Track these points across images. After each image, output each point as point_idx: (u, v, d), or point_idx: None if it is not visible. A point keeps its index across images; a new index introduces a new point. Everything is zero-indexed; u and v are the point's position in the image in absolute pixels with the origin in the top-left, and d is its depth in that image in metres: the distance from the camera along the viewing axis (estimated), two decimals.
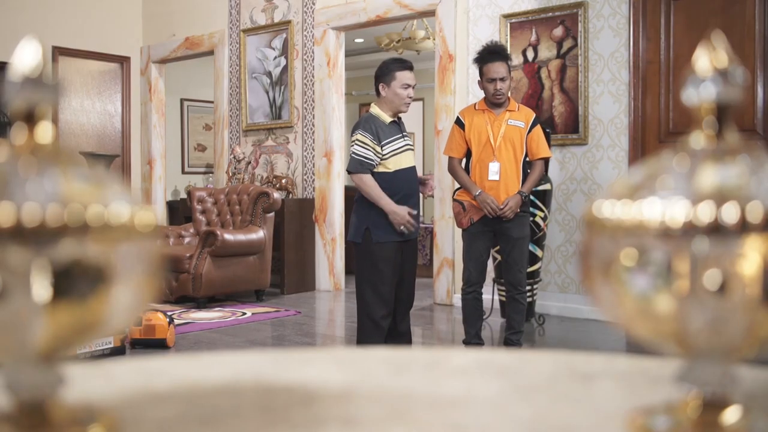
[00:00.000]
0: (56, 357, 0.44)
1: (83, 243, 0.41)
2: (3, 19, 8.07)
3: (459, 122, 4.42)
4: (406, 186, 3.99)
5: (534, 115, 4.41)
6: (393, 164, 3.95)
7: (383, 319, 3.93)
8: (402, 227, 3.90)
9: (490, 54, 4.31)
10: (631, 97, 5.50)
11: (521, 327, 4.39)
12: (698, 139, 0.46)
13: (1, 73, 7.45)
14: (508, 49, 5.91)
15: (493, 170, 4.26)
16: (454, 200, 4.46)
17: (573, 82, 5.79)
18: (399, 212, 3.88)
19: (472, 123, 4.35)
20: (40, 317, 0.40)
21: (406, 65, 4.02)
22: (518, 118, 4.32)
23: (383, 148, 3.92)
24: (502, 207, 4.21)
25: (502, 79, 4.24)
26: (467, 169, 4.39)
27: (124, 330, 4.21)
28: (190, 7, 8.66)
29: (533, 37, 5.98)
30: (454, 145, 4.43)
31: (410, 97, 4.00)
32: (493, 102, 4.30)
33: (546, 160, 4.57)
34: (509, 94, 4.40)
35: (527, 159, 4.39)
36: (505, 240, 4.34)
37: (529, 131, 4.32)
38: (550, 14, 5.89)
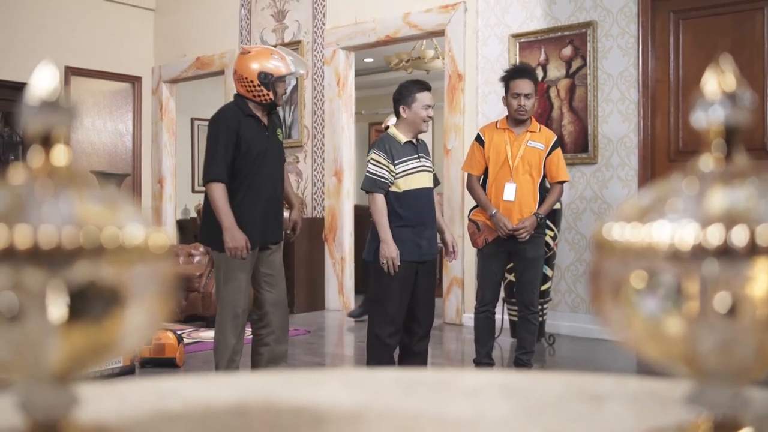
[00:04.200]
0: (70, 377, 0.44)
1: (98, 264, 0.41)
2: (15, 39, 8.16)
3: (479, 139, 4.43)
4: (418, 206, 3.97)
5: (555, 137, 4.40)
6: (403, 184, 3.94)
7: (390, 337, 3.92)
8: (384, 261, 3.85)
9: (518, 72, 4.37)
10: (640, 116, 5.50)
11: (532, 347, 4.37)
12: (707, 162, 0.46)
13: (14, 91, 7.53)
14: None
15: (509, 191, 4.25)
16: (470, 220, 4.46)
17: (582, 102, 5.80)
18: (390, 247, 3.85)
19: (491, 140, 4.35)
20: (55, 338, 0.41)
21: (425, 86, 4.05)
22: (538, 139, 4.31)
23: (396, 167, 3.93)
24: (516, 227, 4.20)
25: (526, 96, 4.24)
26: (484, 187, 4.39)
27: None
28: (201, 28, 8.74)
29: (542, 57, 6.00)
30: (473, 162, 4.43)
31: (430, 117, 4.02)
32: (516, 118, 4.30)
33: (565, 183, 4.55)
34: (531, 116, 4.41)
35: (547, 182, 4.39)
36: (520, 260, 4.33)
37: (549, 153, 4.32)
38: (559, 34, 5.91)
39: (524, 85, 4.26)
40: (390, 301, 3.89)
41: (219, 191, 3.70)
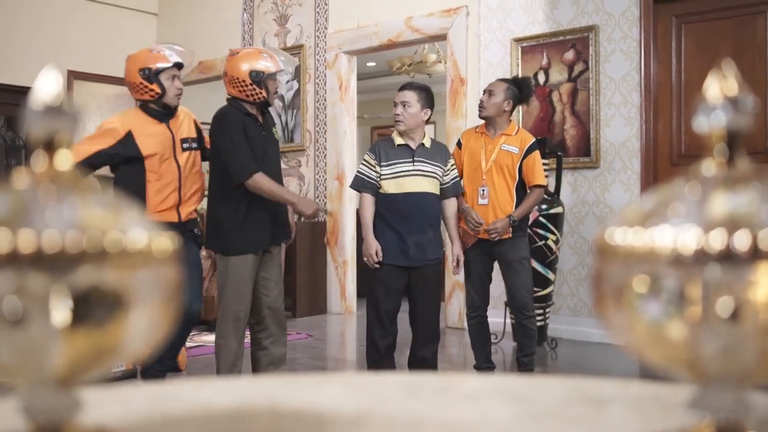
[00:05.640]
0: (73, 381, 0.44)
1: (101, 269, 0.41)
2: (18, 42, 8.17)
3: (458, 143, 4.46)
4: (407, 210, 3.95)
5: (532, 140, 4.34)
6: (388, 187, 3.95)
7: (381, 339, 3.95)
8: (366, 259, 3.94)
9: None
10: (642, 120, 5.50)
11: (532, 349, 4.35)
12: (709, 166, 0.47)
13: (17, 96, 7.54)
14: (520, 72, 5.94)
15: (482, 195, 4.26)
16: None
17: (584, 106, 5.80)
18: (370, 245, 3.91)
19: (467, 144, 4.37)
20: (58, 342, 0.41)
21: (401, 87, 4.07)
22: (513, 143, 4.28)
23: (382, 168, 3.94)
24: (487, 228, 4.19)
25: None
26: None
27: None
28: (203, 32, 8.75)
29: (544, 61, 6.00)
30: None
31: (397, 115, 3.98)
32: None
33: (544, 188, 4.47)
34: (510, 117, 4.38)
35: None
36: (501, 264, 4.33)
37: (524, 157, 4.29)
38: (561, 38, 5.91)
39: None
40: (379, 304, 3.94)
41: (263, 180, 3.65)
